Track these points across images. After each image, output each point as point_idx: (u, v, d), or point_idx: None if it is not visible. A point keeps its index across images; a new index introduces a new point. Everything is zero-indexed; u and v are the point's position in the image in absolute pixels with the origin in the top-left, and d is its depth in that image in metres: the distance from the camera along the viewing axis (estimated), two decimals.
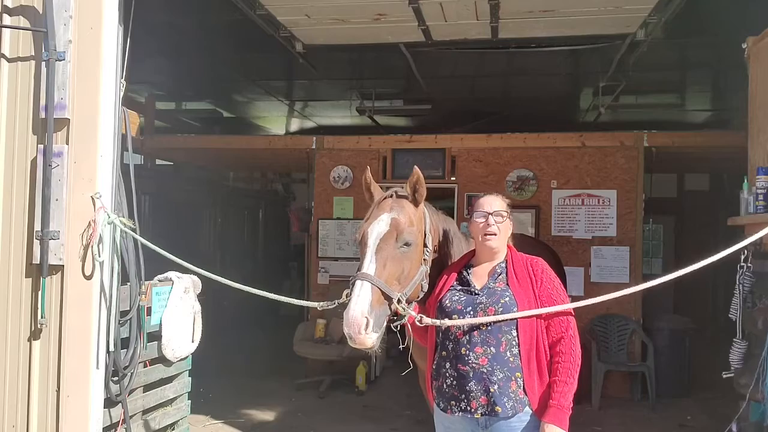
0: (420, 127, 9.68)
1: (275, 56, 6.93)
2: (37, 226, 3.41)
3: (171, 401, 4.24)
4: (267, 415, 6.17)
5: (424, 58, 6.68)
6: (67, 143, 3.44)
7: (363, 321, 2.42)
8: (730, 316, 4.11)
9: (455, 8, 5.19)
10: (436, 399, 2.66)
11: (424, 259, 2.77)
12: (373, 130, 9.44)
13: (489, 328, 2.55)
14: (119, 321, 3.51)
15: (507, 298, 2.58)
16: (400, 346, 2.77)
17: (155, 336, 3.99)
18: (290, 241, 12.68)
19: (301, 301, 3.41)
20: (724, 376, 4.12)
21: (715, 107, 9.29)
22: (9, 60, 3.55)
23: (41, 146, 3.43)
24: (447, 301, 2.68)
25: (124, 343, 3.61)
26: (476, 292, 2.66)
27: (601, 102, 7.86)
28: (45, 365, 3.44)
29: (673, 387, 6.80)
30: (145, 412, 3.98)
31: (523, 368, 2.52)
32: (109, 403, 3.54)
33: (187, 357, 4.27)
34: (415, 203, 2.80)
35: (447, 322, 2.59)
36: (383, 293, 2.52)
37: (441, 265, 2.91)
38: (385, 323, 2.56)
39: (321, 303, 2.90)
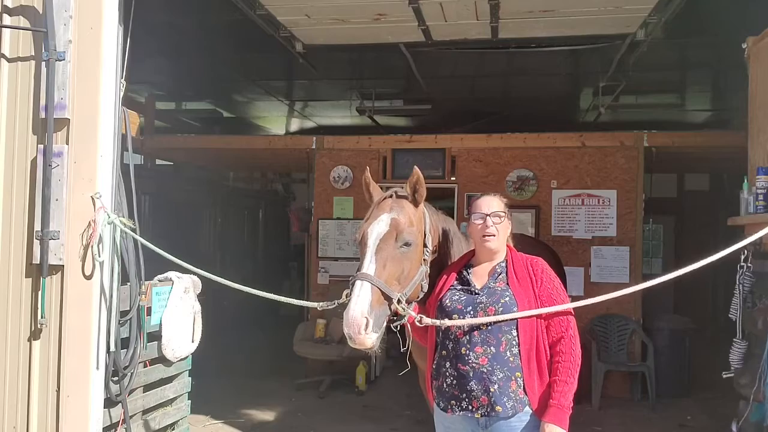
0: (420, 127, 9.68)
1: (275, 56, 6.93)
2: (37, 226, 3.41)
3: (171, 401, 4.24)
4: (267, 415, 6.17)
5: (424, 58, 6.68)
6: (67, 143, 3.44)
7: (363, 321, 2.42)
8: (730, 316, 4.11)
9: (455, 8, 5.19)
10: (436, 399, 2.66)
11: (424, 259, 2.77)
12: (373, 130, 9.44)
13: (489, 327, 2.55)
14: (119, 321, 3.51)
15: (507, 298, 2.58)
16: (402, 349, 2.77)
17: (155, 336, 3.99)
18: (290, 241, 12.69)
19: (301, 301, 3.40)
20: (724, 376, 4.12)
21: (715, 107, 9.29)
22: (9, 60, 3.55)
23: (41, 146, 3.43)
24: (447, 301, 2.68)
25: (124, 343, 3.61)
26: (476, 291, 2.66)
27: (601, 102, 7.86)
28: (45, 365, 3.44)
29: (673, 387, 6.80)
30: (145, 412, 3.98)
31: (523, 368, 2.52)
32: (109, 403, 3.54)
33: (187, 357, 4.27)
34: (415, 203, 2.80)
35: (447, 322, 2.59)
36: (383, 293, 2.52)
37: (441, 264, 2.91)
38: (385, 323, 2.56)
39: (321, 303, 2.90)
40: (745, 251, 3.88)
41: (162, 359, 4.05)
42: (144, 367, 3.95)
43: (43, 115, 3.43)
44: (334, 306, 2.82)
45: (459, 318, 2.59)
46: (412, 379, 3.47)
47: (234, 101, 9.63)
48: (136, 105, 8.18)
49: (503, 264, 2.72)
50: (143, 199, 8.17)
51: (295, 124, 11.22)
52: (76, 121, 3.44)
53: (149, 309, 3.89)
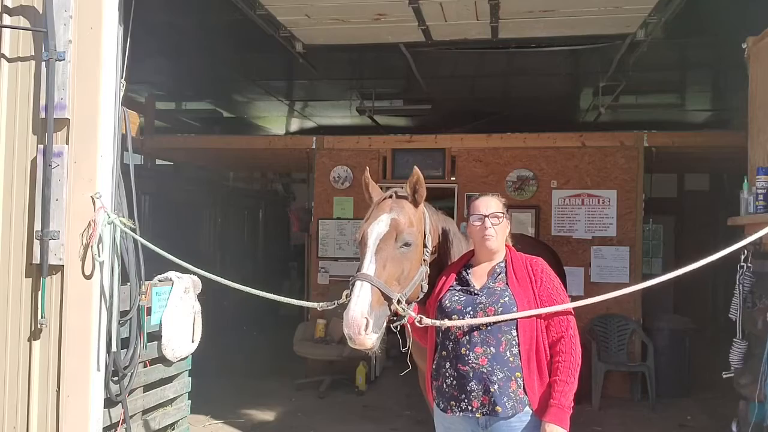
0: (420, 127, 9.68)
1: (275, 56, 6.93)
2: (37, 226, 3.41)
3: (171, 401, 4.24)
4: (267, 415, 6.17)
5: (424, 58, 6.68)
6: (67, 143, 3.44)
7: (363, 322, 2.42)
8: (730, 316, 4.11)
9: (455, 8, 5.19)
10: (436, 399, 2.66)
11: (424, 260, 2.77)
12: (373, 130, 9.44)
13: (489, 327, 2.55)
14: (119, 321, 3.51)
15: (506, 298, 2.58)
16: (402, 349, 2.77)
17: (155, 336, 3.98)
18: (290, 241, 12.69)
19: (301, 301, 3.40)
20: (724, 376, 4.12)
21: (715, 107, 9.29)
22: (9, 60, 3.55)
23: (41, 146, 3.43)
24: (447, 302, 2.68)
25: (124, 343, 3.61)
26: (476, 292, 2.66)
27: (601, 102, 7.86)
28: (45, 365, 3.44)
29: (673, 387, 6.80)
30: (145, 412, 3.98)
31: (523, 368, 2.52)
32: (109, 403, 3.54)
33: (187, 357, 4.27)
34: (415, 204, 2.80)
35: (447, 322, 2.59)
36: (383, 294, 2.52)
37: (441, 265, 2.91)
38: (385, 324, 2.56)
39: (321, 303, 2.90)
40: (745, 251, 3.88)
41: (162, 359, 4.05)
42: (144, 367, 3.95)
43: (43, 115, 3.43)
44: (334, 306, 2.82)
45: (459, 318, 2.59)
46: (412, 379, 3.47)
47: (234, 101, 9.63)
48: (136, 105, 8.18)
49: (502, 264, 2.72)
50: (143, 199, 8.17)
51: (295, 124, 11.22)
52: (76, 121, 3.44)
53: (149, 309, 3.89)
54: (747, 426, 4.00)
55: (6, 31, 3.55)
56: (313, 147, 7.82)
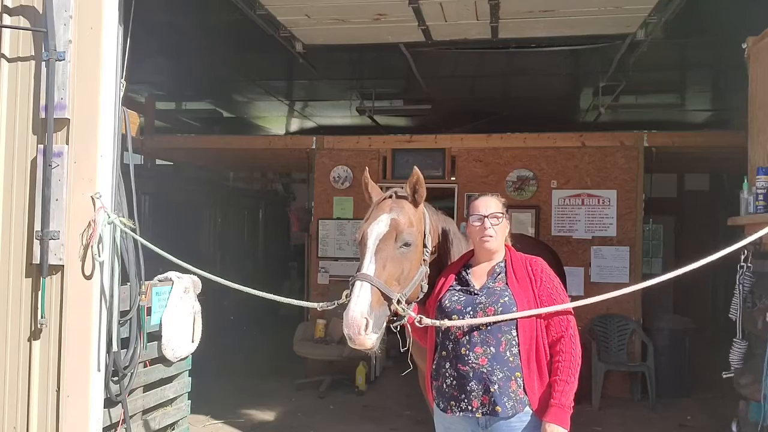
0: (420, 127, 9.68)
1: (275, 56, 6.93)
2: (37, 226, 3.41)
3: (171, 401, 4.24)
4: (267, 415, 6.17)
5: (424, 58, 6.68)
6: (67, 143, 3.44)
7: (362, 322, 2.42)
8: (730, 316, 4.11)
9: (455, 8, 5.19)
10: (436, 399, 2.66)
11: (424, 260, 2.77)
12: (373, 130, 9.44)
13: (489, 327, 2.55)
14: (119, 321, 3.51)
15: (506, 298, 2.58)
16: (402, 349, 2.77)
17: (155, 336, 3.98)
18: (290, 241, 12.69)
19: (301, 301, 3.40)
20: (724, 376, 4.12)
21: (715, 107, 9.29)
22: (9, 60, 3.55)
23: (41, 146, 3.43)
24: (446, 302, 2.68)
25: (124, 343, 3.61)
26: (475, 292, 2.66)
27: (601, 102, 7.86)
28: (45, 365, 3.44)
29: (673, 387, 6.80)
30: (145, 412, 3.98)
31: (523, 368, 2.52)
32: (109, 403, 3.54)
33: (187, 357, 4.27)
34: (415, 204, 2.80)
35: (447, 322, 2.59)
36: (383, 294, 2.52)
37: (440, 265, 2.91)
38: (385, 324, 2.56)
39: (320, 303, 2.90)
40: (745, 251, 3.88)
41: (162, 359, 4.05)
42: (144, 367, 3.94)
43: (43, 115, 3.43)
44: (333, 306, 2.82)
45: (459, 318, 2.59)
46: (412, 379, 3.47)
47: (234, 101, 9.63)
48: (136, 105, 8.18)
49: (502, 264, 2.72)
50: (143, 199, 8.17)
51: (295, 124, 11.22)
52: (76, 121, 3.44)
53: (149, 309, 3.89)
54: (747, 426, 4.00)
55: (6, 31, 3.55)
56: (313, 147, 7.82)
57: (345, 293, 2.58)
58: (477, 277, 2.73)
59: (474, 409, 2.51)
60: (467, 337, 2.56)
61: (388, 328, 2.62)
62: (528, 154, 7.28)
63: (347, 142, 7.75)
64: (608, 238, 7.04)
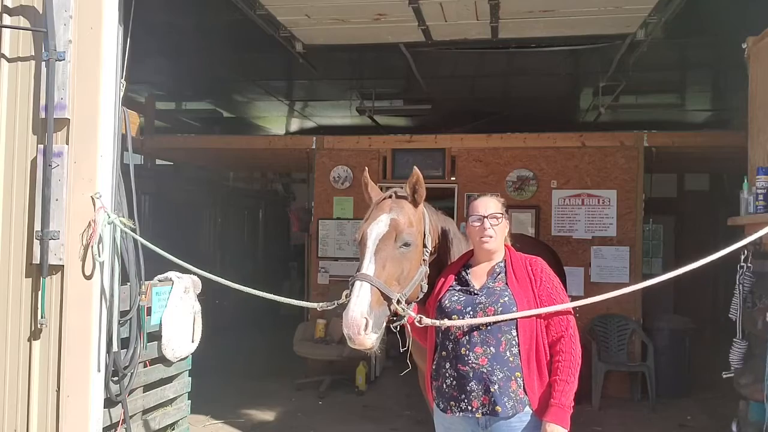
0: (420, 127, 9.68)
1: (275, 56, 6.93)
2: (37, 226, 3.41)
3: (171, 401, 4.24)
4: (267, 415, 6.17)
5: (424, 58, 6.68)
6: (67, 143, 3.44)
7: (362, 322, 2.42)
8: (730, 316, 4.11)
9: (455, 8, 5.19)
10: (436, 399, 2.66)
11: (424, 260, 2.77)
12: (373, 130, 9.44)
13: (489, 327, 2.55)
14: (119, 321, 3.51)
15: (506, 298, 2.58)
16: (401, 349, 2.77)
17: (155, 336, 3.98)
18: (290, 241, 12.69)
19: (301, 301, 3.40)
20: (724, 376, 4.12)
21: (715, 107, 9.30)
22: (9, 60, 3.55)
23: (41, 146, 3.43)
24: (446, 302, 2.68)
25: (124, 343, 3.61)
26: (475, 292, 2.66)
27: (601, 102, 7.86)
28: (45, 365, 3.44)
29: (673, 387, 6.80)
30: (145, 412, 3.98)
31: (523, 368, 2.52)
32: (109, 403, 3.54)
33: (187, 357, 4.27)
34: (415, 204, 2.80)
35: (446, 322, 2.59)
36: (383, 294, 2.52)
37: (440, 265, 2.91)
38: (385, 324, 2.56)
39: (320, 303, 2.90)
40: (745, 251, 3.88)
41: (162, 359, 4.05)
42: (144, 367, 3.94)
43: (43, 115, 3.43)
44: (333, 306, 2.83)
45: (458, 318, 2.59)
46: (412, 379, 3.47)
47: (234, 101, 9.63)
48: (136, 105, 8.19)
49: (502, 264, 2.72)
50: (143, 199, 8.18)
51: (295, 124, 11.23)
52: (76, 121, 3.44)
53: (149, 309, 3.89)
54: (747, 426, 4.01)
55: (6, 31, 3.55)
56: (313, 147, 7.82)
57: (345, 293, 2.58)
58: (477, 277, 2.73)
59: (474, 410, 2.51)
60: (467, 337, 2.56)
61: (387, 328, 2.62)
62: (528, 154, 7.28)
63: (347, 142, 7.75)
64: (608, 238, 7.04)
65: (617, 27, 5.58)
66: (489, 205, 2.71)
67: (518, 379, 2.51)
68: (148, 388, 4.01)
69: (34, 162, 3.48)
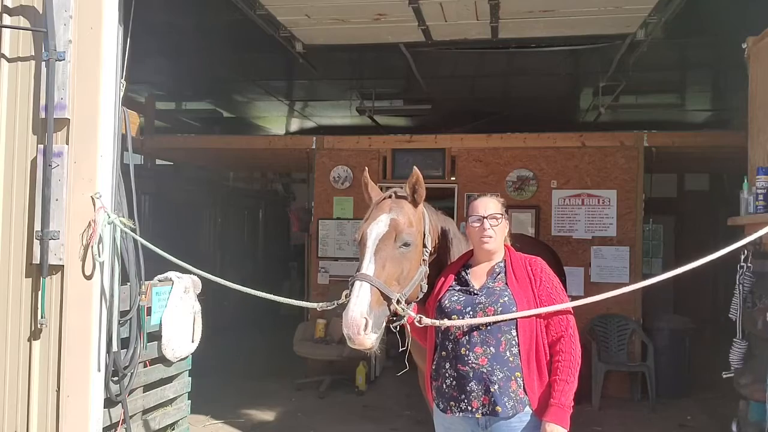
0: (420, 127, 9.68)
1: (275, 56, 6.93)
2: (37, 226, 3.41)
3: (171, 401, 4.24)
4: (267, 415, 6.17)
5: (424, 58, 6.68)
6: (67, 143, 3.44)
7: (362, 322, 2.42)
8: (730, 316, 4.11)
9: (455, 8, 5.19)
10: (436, 399, 2.66)
11: (423, 260, 2.77)
12: (373, 130, 9.44)
13: (488, 327, 2.55)
14: (119, 321, 3.51)
15: (506, 298, 2.58)
16: (401, 349, 2.77)
17: (155, 336, 3.98)
18: (290, 241, 12.70)
19: (301, 301, 3.39)
20: (724, 376, 4.12)
21: (715, 107, 9.29)
22: (9, 60, 3.55)
23: (41, 146, 3.43)
24: (446, 302, 2.68)
25: (124, 343, 3.61)
26: (475, 292, 2.66)
27: (601, 102, 7.86)
28: (45, 365, 3.44)
29: (673, 387, 6.80)
30: (145, 412, 3.98)
31: (523, 368, 2.52)
32: (109, 403, 3.54)
33: (187, 357, 4.27)
34: (414, 204, 2.80)
35: (446, 322, 2.59)
36: (382, 294, 2.52)
37: (440, 265, 2.91)
38: (385, 324, 2.56)
39: (320, 303, 2.90)
40: (745, 251, 3.88)
41: (162, 359, 4.05)
42: (144, 367, 3.94)
43: (43, 115, 3.43)
44: (333, 306, 2.82)
45: (458, 318, 2.59)
46: (412, 379, 3.47)
47: (234, 101, 9.63)
48: (136, 105, 8.19)
49: (502, 264, 2.72)
50: (143, 199, 8.18)
51: (295, 124, 11.23)
52: (76, 121, 3.44)
53: (149, 309, 3.89)
54: (747, 426, 4.00)
55: (6, 31, 3.55)
56: (313, 147, 7.82)
57: (344, 293, 2.58)
58: (476, 277, 2.73)
59: (474, 410, 2.51)
60: (467, 338, 2.56)
61: (387, 328, 2.62)
62: (528, 154, 7.28)
63: (347, 142, 7.75)
64: (608, 238, 7.04)
65: (617, 27, 5.58)
66: (489, 205, 2.71)
67: (518, 379, 2.51)
68: (148, 388, 4.01)
69: (34, 162, 3.48)
